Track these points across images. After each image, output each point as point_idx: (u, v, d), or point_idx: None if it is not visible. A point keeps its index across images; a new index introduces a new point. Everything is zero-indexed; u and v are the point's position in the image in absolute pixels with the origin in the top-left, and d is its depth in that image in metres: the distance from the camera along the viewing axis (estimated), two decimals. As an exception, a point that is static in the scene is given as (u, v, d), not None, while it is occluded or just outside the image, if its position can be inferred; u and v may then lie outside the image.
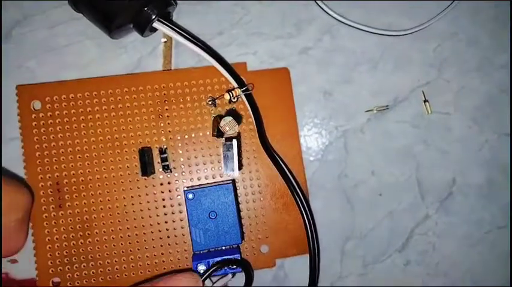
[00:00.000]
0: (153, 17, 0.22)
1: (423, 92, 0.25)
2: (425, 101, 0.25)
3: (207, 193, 0.21)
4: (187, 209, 0.21)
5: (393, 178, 0.25)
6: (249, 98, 0.23)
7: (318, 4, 0.25)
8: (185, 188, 0.22)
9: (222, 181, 0.23)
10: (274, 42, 0.25)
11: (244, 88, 0.22)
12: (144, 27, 0.22)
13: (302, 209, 0.21)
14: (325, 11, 0.25)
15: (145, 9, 0.22)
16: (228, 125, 0.21)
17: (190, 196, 0.21)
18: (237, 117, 0.23)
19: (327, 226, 0.24)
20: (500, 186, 0.25)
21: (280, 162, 0.22)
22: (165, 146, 0.23)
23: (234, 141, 0.21)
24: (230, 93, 0.22)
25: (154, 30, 0.23)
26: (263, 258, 0.23)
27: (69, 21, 0.24)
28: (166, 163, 0.22)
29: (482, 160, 0.25)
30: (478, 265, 0.25)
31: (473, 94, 0.26)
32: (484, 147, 0.25)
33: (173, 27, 0.22)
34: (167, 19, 0.23)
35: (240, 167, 0.23)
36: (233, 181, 0.23)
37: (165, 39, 0.24)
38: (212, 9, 0.25)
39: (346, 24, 0.25)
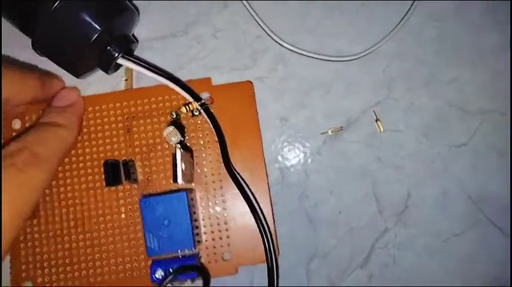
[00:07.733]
0: (116, 55, 0.23)
1: (374, 112, 0.27)
2: (376, 120, 0.27)
3: (160, 201, 0.22)
4: (142, 217, 0.22)
5: (351, 196, 0.26)
6: (208, 112, 0.24)
7: (269, 35, 0.26)
8: (141, 197, 0.24)
9: (179, 189, 0.24)
10: (231, 74, 0.26)
11: (201, 102, 0.23)
12: (109, 66, 0.23)
13: (261, 228, 0.22)
14: (277, 42, 0.26)
15: (108, 48, 0.23)
16: (171, 135, 0.22)
17: (144, 203, 0.23)
18: (181, 128, 0.24)
19: (291, 246, 0.25)
20: (454, 195, 0.27)
21: (240, 179, 0.23)
22: (131, 157, 0.24)
23: (178, 151, 0.22)
24: (187, 107, 0.23)
25: (119, 67, 0.24)
26: (225, 265, 0.24)
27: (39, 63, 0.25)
28: (133, 174, 0.24)
29: (435, 172, 0.27)
30: (439, 272, 0.26)
31: (422, 111, 0.27)
32: (436, 160, 0.27)
33: (137, 61, 0.24)
34: (130, 54, 0.24)
35: (188, 177, 0.23)
36: (191, 190, 0.24)
37: (125, 78, 0.26)
38: (170, 45, 0.26)
39: (298, 53, 0.26)
